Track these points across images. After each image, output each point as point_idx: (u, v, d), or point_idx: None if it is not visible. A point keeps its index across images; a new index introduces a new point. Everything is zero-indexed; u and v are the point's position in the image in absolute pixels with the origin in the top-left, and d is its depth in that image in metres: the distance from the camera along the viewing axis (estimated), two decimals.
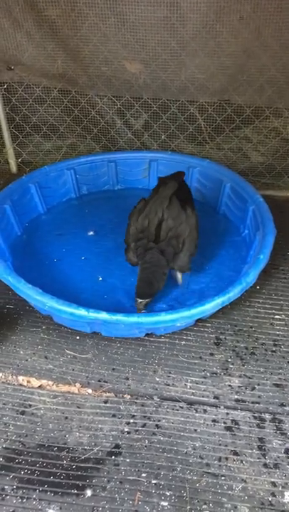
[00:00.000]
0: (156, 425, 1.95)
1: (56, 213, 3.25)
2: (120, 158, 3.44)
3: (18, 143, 3.76)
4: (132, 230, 2.53)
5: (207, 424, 1.96)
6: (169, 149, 3.65)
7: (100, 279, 2.69)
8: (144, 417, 1.98)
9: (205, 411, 2.01)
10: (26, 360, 2.23)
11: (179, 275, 2.61)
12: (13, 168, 3.84)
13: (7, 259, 2.58)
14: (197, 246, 2.56)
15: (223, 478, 1.77)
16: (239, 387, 2.12)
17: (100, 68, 3.34)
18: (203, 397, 2.07)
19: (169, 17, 3.02)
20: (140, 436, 1.90)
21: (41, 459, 1.82)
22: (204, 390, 2.10)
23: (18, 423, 1.96)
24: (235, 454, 1.85)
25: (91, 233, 3.06)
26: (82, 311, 2.08)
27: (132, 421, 1.96)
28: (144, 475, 1.77)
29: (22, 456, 1.83)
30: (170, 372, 2.18)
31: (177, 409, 2.01)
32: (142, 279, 2.39)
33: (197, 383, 2.13)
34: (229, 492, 1.72)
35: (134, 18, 3.05)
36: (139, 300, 2.33)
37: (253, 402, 2.05)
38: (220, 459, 1.83)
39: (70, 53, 3.32)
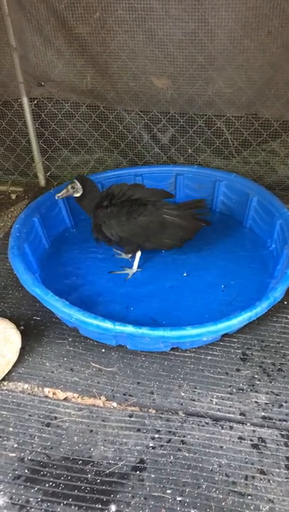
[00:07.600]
0: (182, 441, 1.93)
1: (83, 226, 3.28)
2: (147, 172, 3.47)
3: (46, 157, 3.84)
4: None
5: (233, 442, 1.92)
6: (196, 163, 3.67)
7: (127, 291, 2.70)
8: (169, 432, 1.96)
9: (231, 428, 1.98)
10: (52, 372, 2.25)
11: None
12: (42, 181, 3.91)
13: (35, 271, 2.61)
14: (116, 238, 2.67)
15: (249, 497, 1.73)
16: (266, 404, 2.08)
17: (128, 84, 3.40)
18: (229, 413, 2.05)
19: (196, 33, 3.05)
20: (165, 452, 1.88)
21: (66, 472, 1.82)
22: (230, 407, 2.07)
23: (44, 435, 1.97)
24: (262, 472, 1.81)
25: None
26: (108, 324, 2.09)
27: (156, 436, 1.95)
28: (168, 491, 1.75)
29: (47, 469, 1.84)
30: (195, 388, 2.16)
31: (203, 425, 1.99)
32: None
33: (223, 399, 2.11)
34: None
35: (163, 34, 3.10)
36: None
37: (280, 420, 2.01)
38: (246, 478, 1.80)
39: (99, 69, 3.39)
